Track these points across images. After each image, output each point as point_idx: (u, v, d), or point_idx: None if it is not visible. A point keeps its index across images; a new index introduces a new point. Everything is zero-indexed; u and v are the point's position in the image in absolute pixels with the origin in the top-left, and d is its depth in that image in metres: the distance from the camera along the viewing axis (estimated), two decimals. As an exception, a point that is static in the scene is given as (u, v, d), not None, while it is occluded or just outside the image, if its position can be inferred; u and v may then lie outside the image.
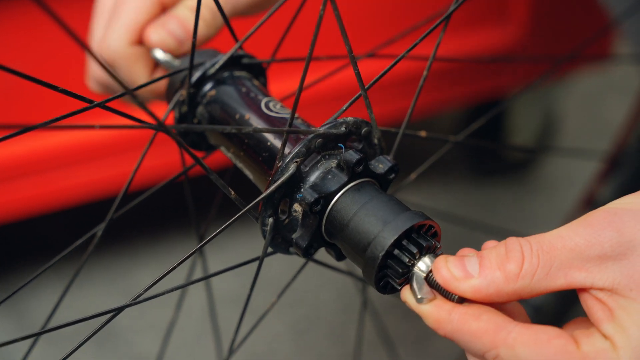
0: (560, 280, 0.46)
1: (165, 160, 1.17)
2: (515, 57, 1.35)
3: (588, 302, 0.47)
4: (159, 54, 0.66)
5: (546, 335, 0.45)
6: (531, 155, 1.64)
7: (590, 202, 1.04)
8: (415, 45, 0.53)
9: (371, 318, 1.23)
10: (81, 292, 1.39)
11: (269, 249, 0.54)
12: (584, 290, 0.47)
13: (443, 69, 1.30)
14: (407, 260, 0.49)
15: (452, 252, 0.50)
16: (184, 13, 0.66)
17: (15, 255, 1.46)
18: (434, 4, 1.23)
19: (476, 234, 0.89)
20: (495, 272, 0.46)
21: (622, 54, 1.44)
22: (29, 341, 1.14)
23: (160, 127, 0.46)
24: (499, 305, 0.49)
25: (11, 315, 1.36)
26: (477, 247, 0.50)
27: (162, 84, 0.64)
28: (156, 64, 0.68)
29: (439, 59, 0.59)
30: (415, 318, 0.49)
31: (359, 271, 0.54)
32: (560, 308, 0.91)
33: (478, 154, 1.63)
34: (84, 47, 0.39)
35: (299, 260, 0.63)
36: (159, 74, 0.66)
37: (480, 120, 0.69)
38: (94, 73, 0.71)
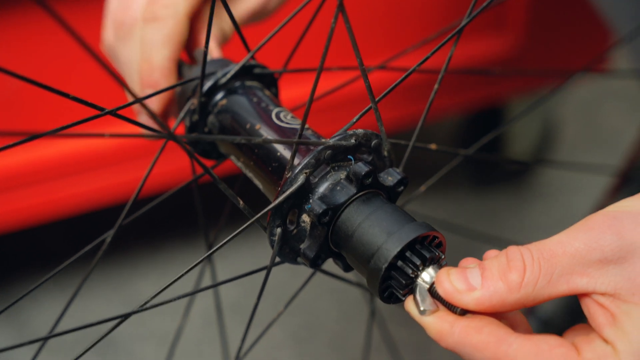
0: (563, 287, 0.46)
1: (173, 166, 1.16)
2: (522, 70, 1.35)
3: (590, 307, 0.47)
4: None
5: (547, 345, 0.45)
6: (530, 163, 1.64)
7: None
8: (427, 59, 0.53)
9: (375, 324, 1.23)
10: (81, 301, 1.39)
11: (277, 259, 0.54)
12: (586, 295, 0.47)
13: (444, 77, 1.30)
14: (411, 272, 0.49)
15: (451, 261, 0.50)
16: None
17: (14, 265, 1.45)
18: (445, 15, 1.23)
19: (475, 242, 0.89)
20: (498, 282, 0.47)
21: (622, 68, 1.44)
22: (32, 351, 1.14)
23: (170, 136, 0.46)
24: (501, 314, 0.49)
25: (12, 324, 1.36)
26: (476, 255, 0.50)
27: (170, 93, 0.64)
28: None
29: (451, 72, 0.59)
30: (417, 324, 0.49)
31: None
32: (568, 323, 0.91)
33: (476, 162, 1.63)
34: (91, 52, 0.40)
35: (301, 268, 0.63)
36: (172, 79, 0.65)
37: (490, 134, 0.69)
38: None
